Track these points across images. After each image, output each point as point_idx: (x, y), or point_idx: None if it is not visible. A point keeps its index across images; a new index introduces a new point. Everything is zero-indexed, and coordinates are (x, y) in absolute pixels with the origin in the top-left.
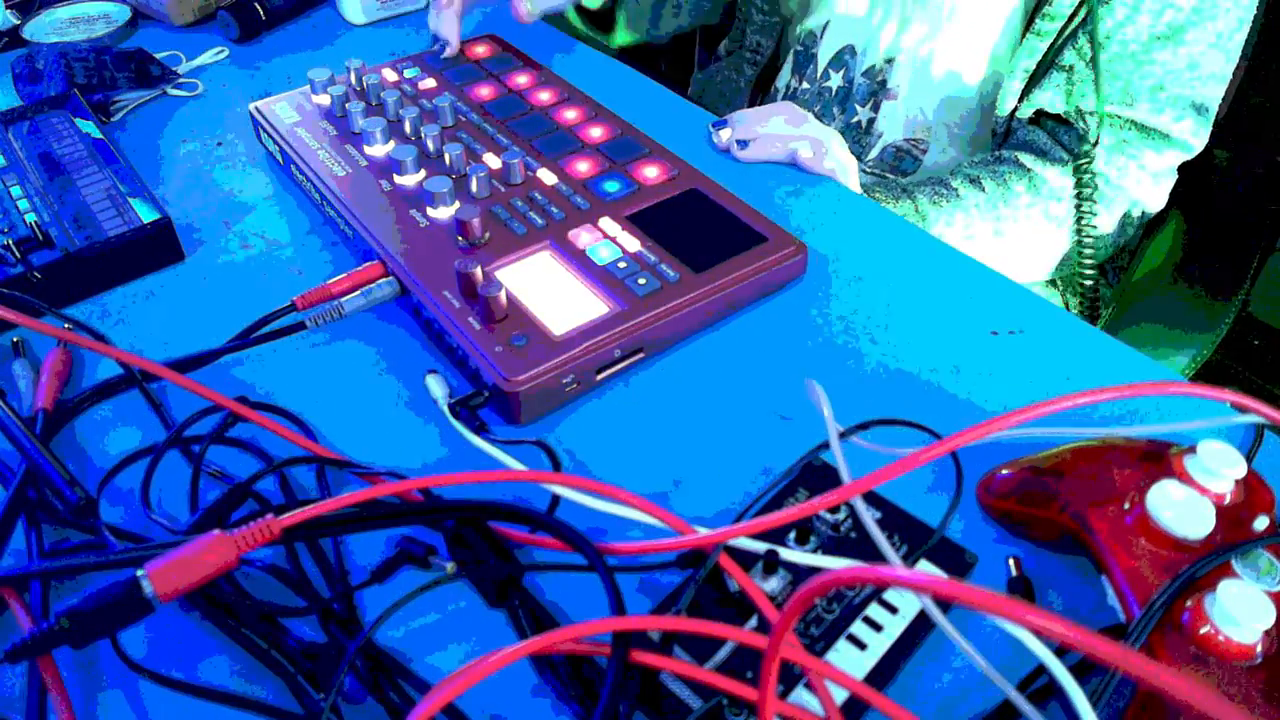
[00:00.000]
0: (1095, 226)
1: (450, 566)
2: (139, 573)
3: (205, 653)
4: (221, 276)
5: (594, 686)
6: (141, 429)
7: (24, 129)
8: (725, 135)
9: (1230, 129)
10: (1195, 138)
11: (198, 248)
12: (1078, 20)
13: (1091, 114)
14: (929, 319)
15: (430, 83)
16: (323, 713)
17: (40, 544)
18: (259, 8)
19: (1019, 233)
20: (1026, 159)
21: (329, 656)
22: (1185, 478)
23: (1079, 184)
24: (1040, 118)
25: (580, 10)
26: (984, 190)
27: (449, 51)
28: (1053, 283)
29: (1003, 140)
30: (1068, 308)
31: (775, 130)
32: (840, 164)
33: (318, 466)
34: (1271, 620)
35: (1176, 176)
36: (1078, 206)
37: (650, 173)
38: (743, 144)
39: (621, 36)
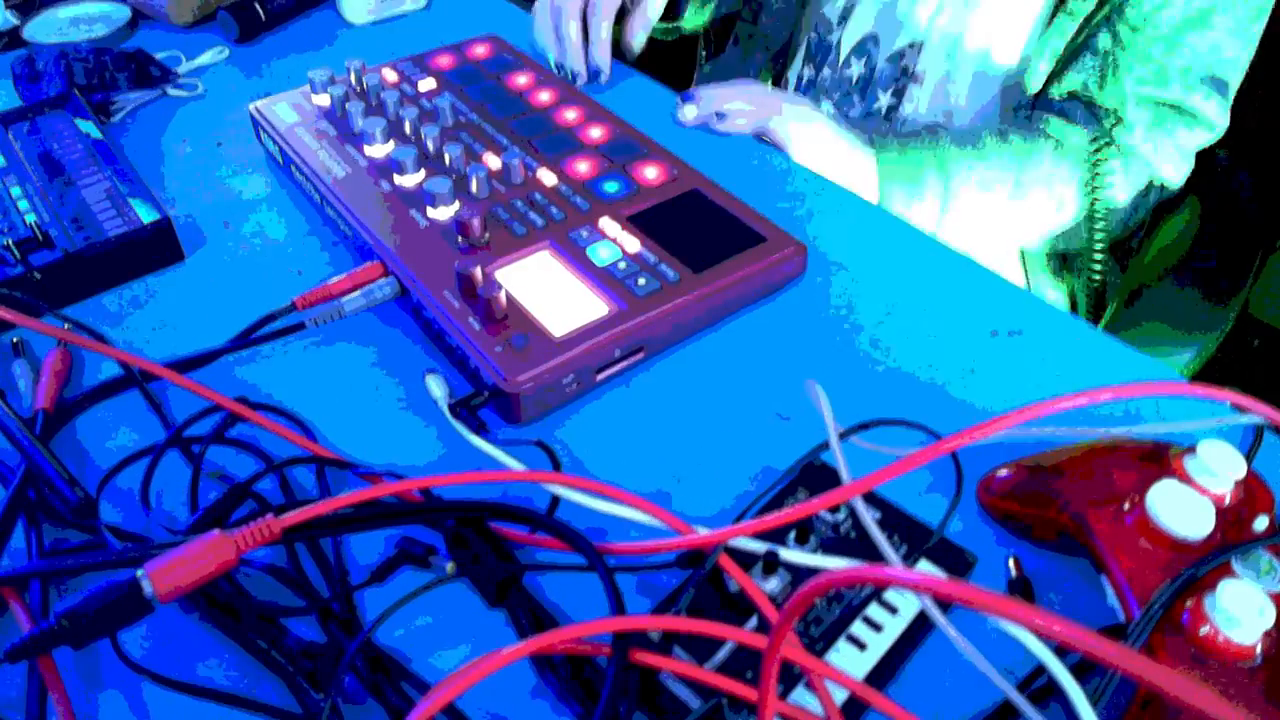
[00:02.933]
0: (1113, 198)
1: (450, 566)
2: (139, 573)
3: (205, 653)
4: (221, 276)
5: (594, 686)
6: (141, 429)
7: (24, 129)
8: (691, 111)
9: (1232, 128)
10: (1220, 118)
11: (198, 248)
12: (1111, 4)
13: (1126, 95)
14: (929, 319)
15: (430, 83)
16: (323, 713)
17: (40, 544)
18: (259, 8)
19: (1039, 195)
20: (1056, 124)
21: (329, 656)
22: (1185, 478)
23: (1098, 154)
24: (1072, 98)
25: None
26: (1010, 144)
27: (582, 80)
28: (1059, 273)
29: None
30: (1073, 299)
31: (741, 106)
32: (805, 123)
33: (318, 466)
34: (1271, 620)
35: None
36: (1093, 177)
37: (650, 173)
38: (721, 115)
39: (692, 20)
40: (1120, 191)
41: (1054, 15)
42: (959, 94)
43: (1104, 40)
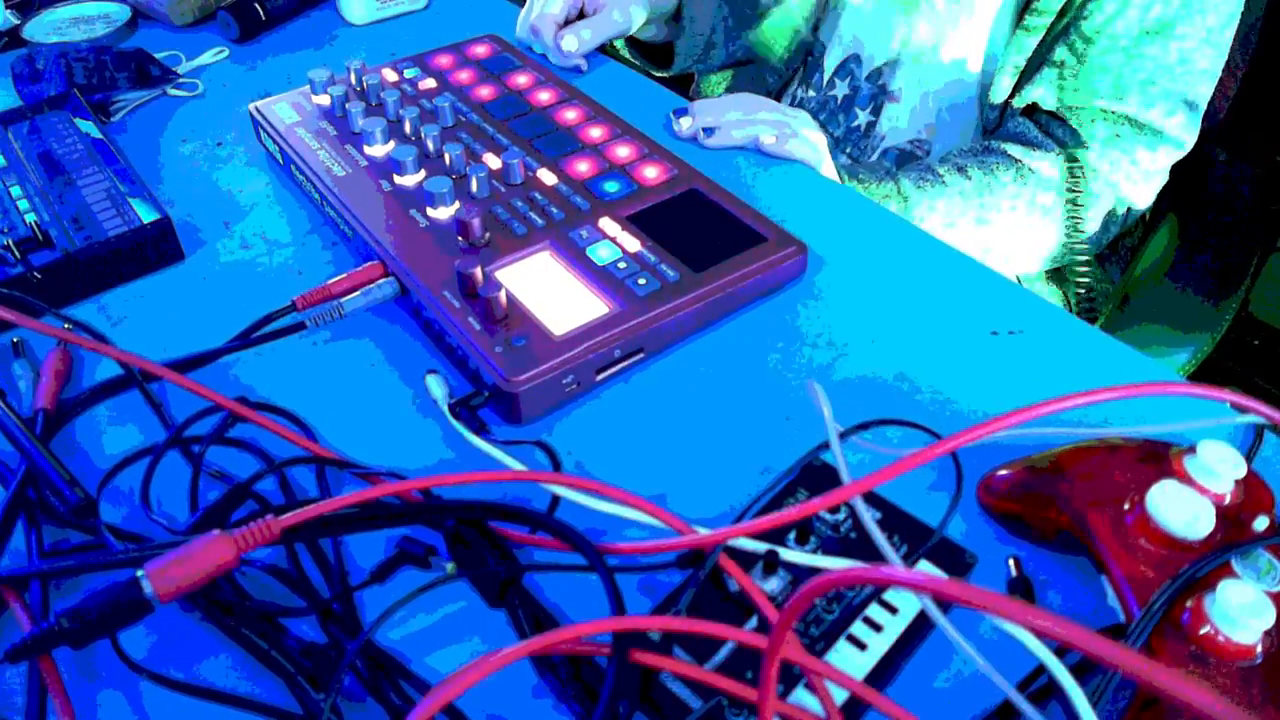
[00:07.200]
0: (1085, 219)
1: (450, 566)
2: (139, 573)
3: (205, 653)
4: (221, 276)
5: (594, 686)
6: (141, 429)
7: (24, 129)
8: (686, 123)
9: (1230, 129)
10: (1187, 134)
11: (198, 248)
12: (1068, 16)
13: (1083, 109)
14: (929, 319)
15: (430, 83)
16: (323, 713)
17: (40, 544)
18: (259, 8)
19: (1004, 222)
20: (1015, 149)
21: (329, 656)
22: (1185, 478)
23: (1071, 177)
24: (1033, 111)
25: (632, 44)
26: (969, 178)
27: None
28: (1051, 278)
29: (992, 133)
30: (1068, 303)
31: (735, 117)
32: (809, 144)
33: (318, 466)
34: (1271, 620)
35: (1168, 177)
36: (1070, 201)
37: (650, 173)
38: (709, 131)
39: (677, 68)
40: (1091, 215)
41: (1014, 31)
42: (931, 111)
43: (1061, 52)
